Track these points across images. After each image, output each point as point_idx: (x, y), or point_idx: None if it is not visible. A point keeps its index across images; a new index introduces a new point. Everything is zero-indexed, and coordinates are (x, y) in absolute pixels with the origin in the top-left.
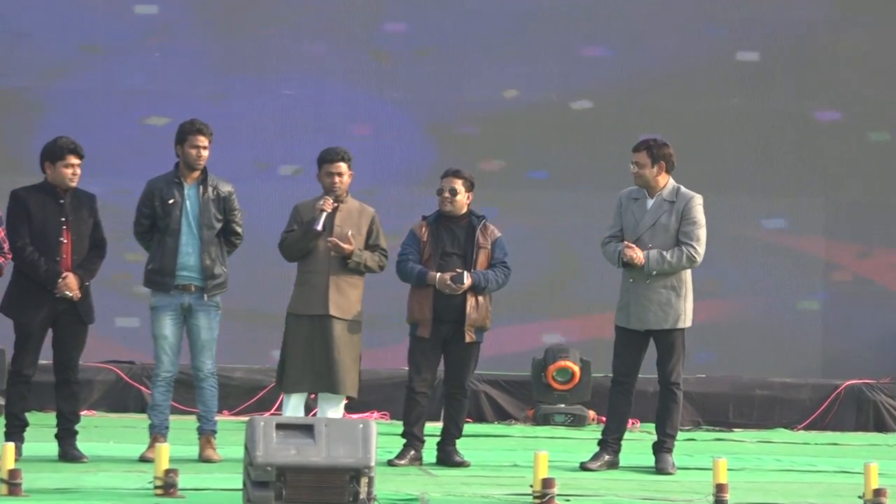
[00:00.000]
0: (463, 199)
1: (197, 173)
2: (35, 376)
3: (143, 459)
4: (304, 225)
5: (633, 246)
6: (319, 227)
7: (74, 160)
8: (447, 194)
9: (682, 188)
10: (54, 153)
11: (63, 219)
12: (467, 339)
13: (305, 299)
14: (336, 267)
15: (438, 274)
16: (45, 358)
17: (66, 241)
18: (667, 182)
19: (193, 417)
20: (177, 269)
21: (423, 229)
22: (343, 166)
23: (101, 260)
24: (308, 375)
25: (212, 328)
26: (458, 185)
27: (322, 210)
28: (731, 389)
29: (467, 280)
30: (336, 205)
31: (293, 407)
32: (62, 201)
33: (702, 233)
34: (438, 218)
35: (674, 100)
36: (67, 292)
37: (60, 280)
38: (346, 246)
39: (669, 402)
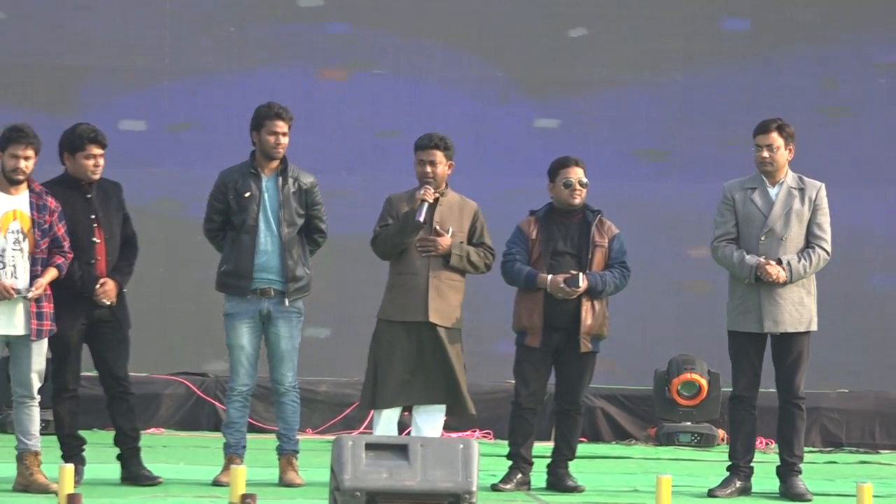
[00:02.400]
0: (586, 191)
1: (275, 163)
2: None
3: (217, 483)
4: (403, 217)
5: (773, 262)
6: (422, 219)
7: (96, 150)
8: (578, 187)
9: (802, 175)
10: (73, 143)
11: (93, 216)
12: (582, 349)
13: (401, 304)
14: (436, 267)
15: (550, 276)
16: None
17: (98, 240)
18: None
19: (273, 436)
20: (254, 272)
21: (532, 226)
22: (437, 154)
23: (135, 259)
24: (406, 389)
25: (293, 337)
26: (584, 174)
27: (423, 200)
28: (876, 406)
29: (583, 283)
30: (437, 195)
31: (385, 424)
32: (89, 196)
33: (829, 226)
34: (549, 213)
35: None
36: (106, 300)
37: (98, 287)
38: (441, 239)
39: (797, 419)
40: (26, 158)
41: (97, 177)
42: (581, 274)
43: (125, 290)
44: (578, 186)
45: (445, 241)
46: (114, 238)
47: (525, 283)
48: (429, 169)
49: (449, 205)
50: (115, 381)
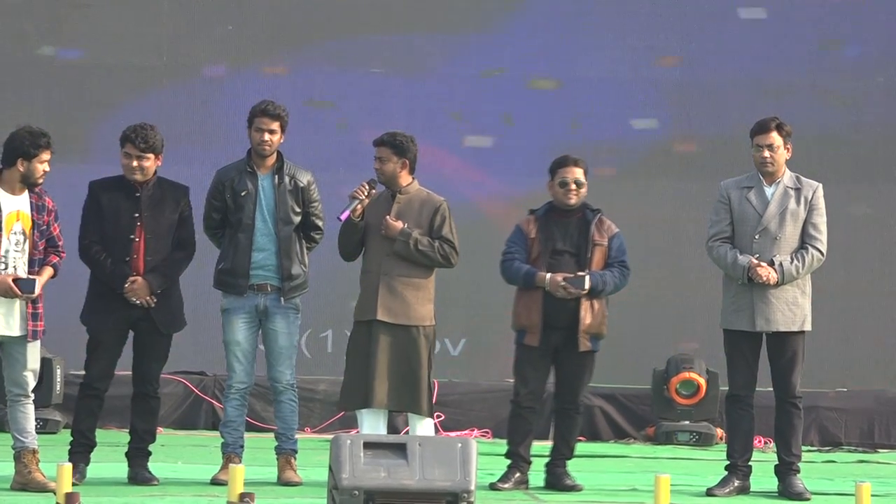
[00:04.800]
0: (585, 191)
1: (272, 161)
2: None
3: (216, 482)
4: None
5: (764, 264)
6: (343, 217)
7: (133, 150)
8: (573, 187)
9: (800, 175)
10: (120, 141)
11: (137, 214)
12: (581, 348)
13: (361, 303)
14: (388, 264)
15: (549, 274)
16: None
17: (138, 239)
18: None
19: (271, 435)
20: (251, 269)
21: (531, 224)
22: (385, 151)
23: (185, 262)
24: (362, 389)
25: (291, 333)
26: (582, 175)
27: (353, 197)
28: (875, 405)
29: (587, 284)
30: (374, 192)
31: (368, 424)
32: (138, 195)
33: (825, 227)
34: (548, 212)
35: None
36: (134, 298)
37: (127, 284)
38: (392, 223)
39: (794, 418)
40: (49, 161)
41: (137, 177)
42: (587, 276)
43: (160, 291)
44: (574, 186)
45: (396, 225)
46: (159, 238)
47: (524, 282)
48: (377, 165)
49: (409, 201)
50: (141, 380)
